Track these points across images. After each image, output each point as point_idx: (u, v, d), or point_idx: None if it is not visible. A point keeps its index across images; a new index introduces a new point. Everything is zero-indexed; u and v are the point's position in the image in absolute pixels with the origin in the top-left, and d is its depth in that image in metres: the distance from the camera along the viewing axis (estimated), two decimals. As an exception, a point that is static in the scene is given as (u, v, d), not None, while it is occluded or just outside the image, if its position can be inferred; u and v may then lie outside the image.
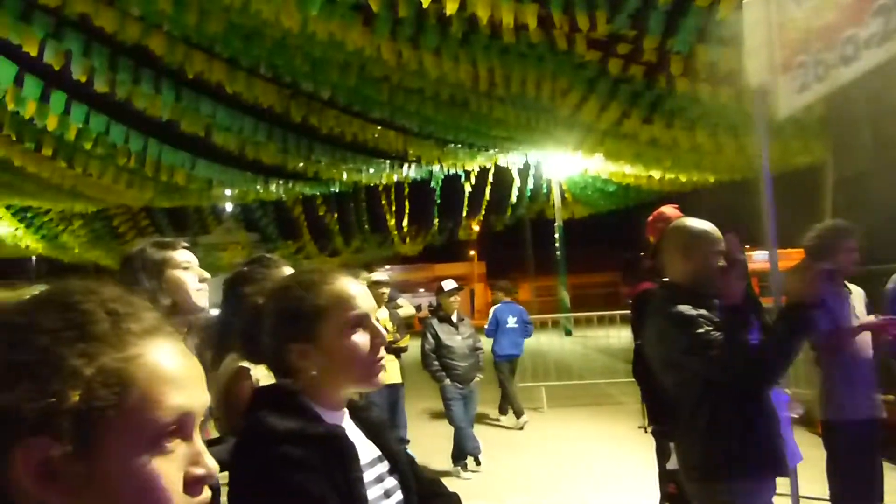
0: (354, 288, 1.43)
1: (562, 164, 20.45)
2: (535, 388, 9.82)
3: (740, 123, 8.25)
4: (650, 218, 3.85)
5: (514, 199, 24.32)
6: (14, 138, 8.63)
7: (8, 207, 15.52)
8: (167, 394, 0.70)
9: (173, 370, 0.72)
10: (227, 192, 13.40)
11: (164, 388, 0.70)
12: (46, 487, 0.66)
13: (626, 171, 15.34)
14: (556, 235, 25.07)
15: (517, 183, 22.74)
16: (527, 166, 20.76)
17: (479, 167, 19.62)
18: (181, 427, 0.72)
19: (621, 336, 9.52)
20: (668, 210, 3.83)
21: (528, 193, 23.31)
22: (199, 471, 0.73)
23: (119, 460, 0.68)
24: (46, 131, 7.91)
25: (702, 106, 7.91)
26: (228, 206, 23.29)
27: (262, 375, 2.20)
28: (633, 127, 9.14)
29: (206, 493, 0.74)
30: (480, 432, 6.86)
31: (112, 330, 0.70)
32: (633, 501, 5.06)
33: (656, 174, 14.33)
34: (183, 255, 2.20)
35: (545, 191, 24.23)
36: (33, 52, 6.61)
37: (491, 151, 16.56)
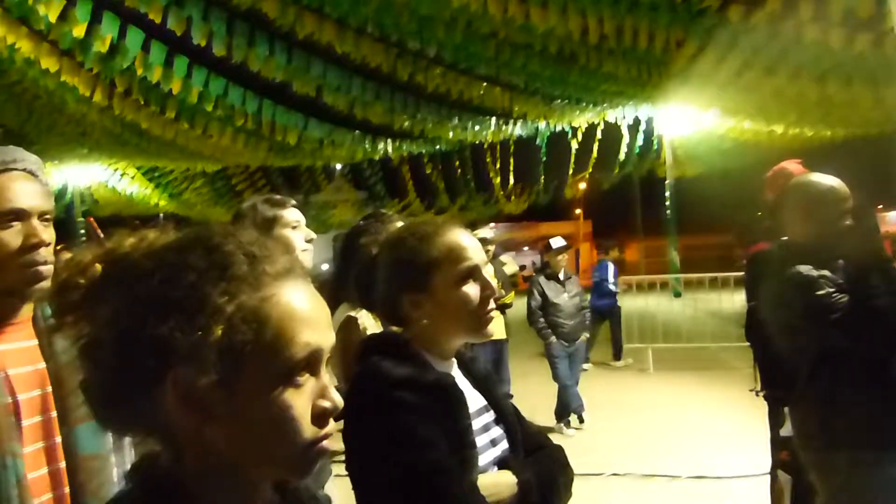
0: (466, 240, 1.45)
1: (674, 120, 19.56)
2: (641, 349, 9.65)
3: (879, 73, 7.57)
4: (770, 174, 3.63)
5: (622, 156, 23.58)
6: (142, 102, 9.20)
7: (139, 168, 16.65)
8: (299, 331, 0.75)
9: (304, 310, 0.77)
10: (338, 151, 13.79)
11: (296, 326, 0.75)
12: (191, 412, 0.72)
13: (745, 127, 14.49)
14: (667, 194, 24.15)
15: (626, 139, 22.01)
16: (637, 122, 20.01)
17: (587, 123, 19.10)
18: (311, 363, 0.77)
19: (734, 299, 9.12)
20: (791, 165, 3.60)
21: (637, 150, 22.53)
22: (326, 404, 0.78)
23: (256, 390, 0.73)
24: (170, 95, 8.38)
25: (834, 55, 7.30)
26: (338, 165, 23.94)
27: (370, 325, 2.29)
28: (755, 79, 8.59)
29: (332, 424, 0.79)
30: (584, 391, 6.83)
31: (250, 271, 0.76)
32: (743, 467, 4.92)
33: (778, 129, 13.46)
34: (292, 215, 2.29)
35: (655, 148, 23.32)
36: (157, 20, 6.98)
37: (599, 107, 16.05)
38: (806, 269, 2.29)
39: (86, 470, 1.36)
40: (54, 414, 1.35)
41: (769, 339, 2.50)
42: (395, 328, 1.47)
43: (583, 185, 29.44)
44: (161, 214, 18.76)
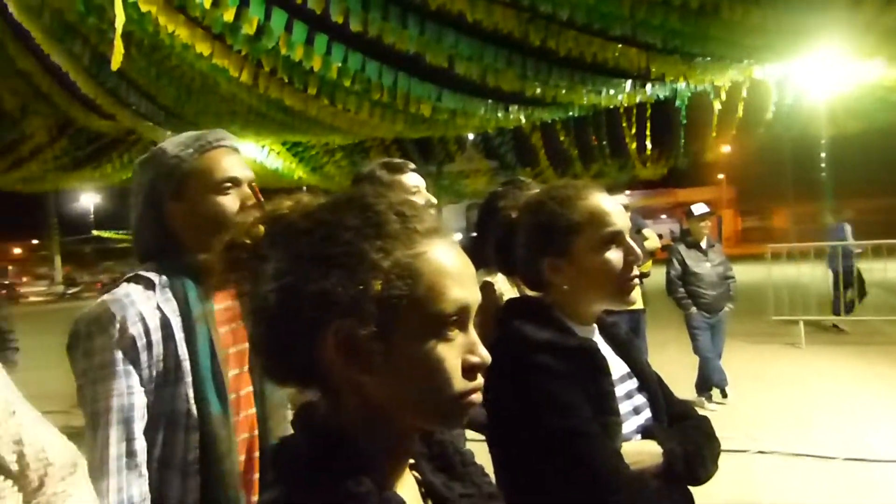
0: (609, 204, 1.41)
1: (830, 73, 17.90)
2: (791, 323, 9.06)
3: None
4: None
5: (770, 115, 21.95)
6: (286, 80, 9.65)
7: (283, 144, 17.57)
8: (449, 287, 0.78)
9: (453, 266, 0.80)
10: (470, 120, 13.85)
11: (446, 281, 0.78)
12: (350, 362, 0.77)
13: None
14: (822, 154, 22.30)
15: (774, 97, 20.46)
16: (787, 77, 18.51)
17: (731, 82, 17.92)
18: (460, 318, 0.80)
19: (901, 268, 8.35)
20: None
21: (788, 108, 20.88)
22: (474, 359, 0.81)
23: (410, 343, 0.77)
24: (311, 72, 8.73)
25: None
26: (470, 135, 24.06)
27: (506, 290, 2.30)
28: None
29: (480, 379, 0.81)
30: (728, 364, 6.53)
31: (401, 228, 0.79)
32: (908, 450, 4.53)
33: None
34: (411, 179, 2.33)
35: (808, 104, 21.51)
36: (299, 0, 7.27)
37: (745, 63, 14.99)
38: None
39: (275, 417, 1.53)
40: (247, 367, 1.53)
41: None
42: (534, 292, 1.47)
43: (726, 148, 27.77)
44: (304, 188, 19.76)
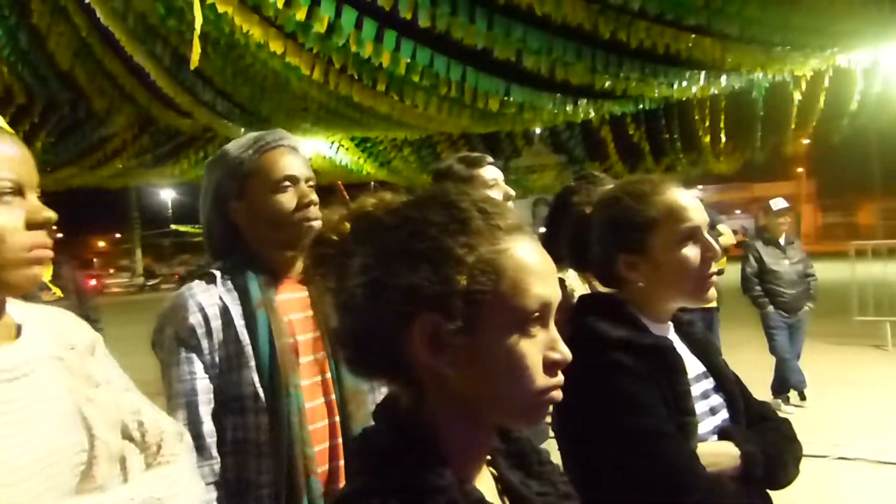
0: (687, 199, 1.38)
1: (924, 60, 16.88)
2: (877, 323, 8.63)
3: None
4: None
5: (855, 105, 20.90)
6: (355, 77, 9.80)
7: (352, 139, 17.86)
8: (532, 283, 0.79)
9: (535, 263, 0.81)
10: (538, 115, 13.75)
11: (528, 278, 0.79)
12: (435, 355, 0.78)
13: None
14: (912, 147, 21.12)
15: (860, 86, 19.46)
16: (874, 65, 17.56)
17: (812, 71, 17.14)
18: (542, 314, 0.80)
19: None
20: None
21: (875, 98, 19.84)
22: (555, 355, 0.81)
23: (493, 338, 0.78)
24: (380, 68, 8.84)
25: None
26: (537, 130, 23.85)
27: (577, 286, 2.28)
28: None
29: (560, 376, 0.81)
30: (808, 366, 6.28)
31: (485, 225, 0.80)
32: None
33: None
34: (490, 173, 2.37)
35: (898, 93, 20.37)
36: (368, -2, 7.37)
37: (828, 51, 14.32)
38: None
39: (354, 401, 1.57)
40: (322, 354, 1.59)
41: None
42: (608, 289, 1.44)
43: (806, 141, 26.61)
44: (372, 183, 20.04)
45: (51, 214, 1.01)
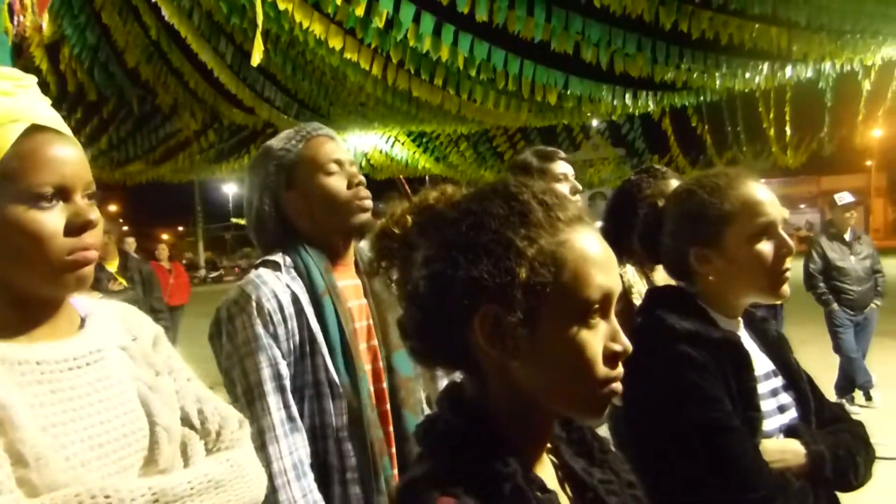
0: (762, 193, 1.36)
1: None
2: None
3: None
4: None
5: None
6: (413, 71, 9.86)
7: (408, 134, 17.95)
8: (593, 274, 0.80)
9: (597, 254, 0.82)
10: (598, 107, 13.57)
11: (590, 269, 0.80)
12: (497, 346, 0.80)
13: None
14: None
15: (933, 76, 18.50)
16: (953, 53, 16.68)
17: (884, 60, 16.39)
18: (603, 305, 0.81)
19: None
20: None
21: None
22: (616, 346, 0.82)
23: (554, 329, 0.79)
24: (439, 62, 8.86)
25: None
26: (595, 122, 23.52)
27: (635, 281, 2.27)
28: None
29: (620, 368, 0.82)
30: (876, 366, 6.06)
31: (545, 217, 0.81)
32: None
33: None
34: (561, 167, 2.40)
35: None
36: (426, -8, 7.40)
37: (901, 39, 13.66)
38: None
39: (406, 388, 1.61)
40: (374, 342, 1.62)
41: None
42: (675, 282, 1.44)
43: (876, 132, 25.51)
44: (427, 177, 20.10)
45: (92, 217, 1.00)
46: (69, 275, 1.00)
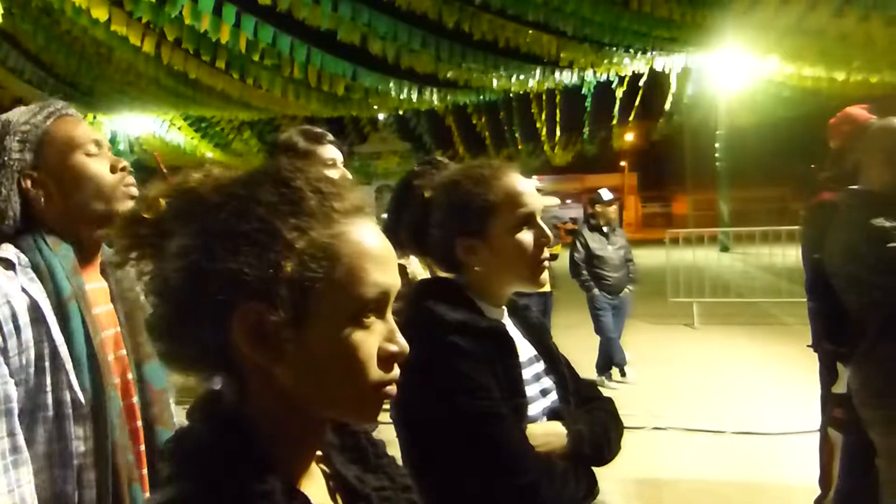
0: (524, 184, 1.40)
1: (729, 68, 18.76)
2: (685, 304, 9.51)
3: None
4: (833, 120, 3.47)
5: (668, 105, 22.82)
6: (191, 52, 9.23)
7: (186, 119, 16.84)
8: (369, 271, 0.73)
9: (374, 249, 0.75)
10: (383, 101, 13.73)
11: (366, 265, 0.73)
12: (258, 349, 0.71)
13: (804, 74, 13.86)
14: (717, 145, 23.46)
15: (673, 89, 21.27)
16: (686, 70, 19.27)
17: (634, 72, 18.48)
18: (379, 304, 0.74)
19: (786, 254, 8.89)
20: (856, 112, 3.41)
21: (687, 100, 21.81)
22: (392, 347, 0.76)
23: (324, 329, 0.72)
24: (220, 45, 8.38)
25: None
26: (381, 116, 23.82)
27: (419, 272, 2.28)
28: (820, 22, 8.18)
29: (396, 370, 0.77)
30: (627, 345, 6.80)
31: (319, 207, 0.73)
32: (791, 424, 4.85)
33: (839, 76, 12.86)
34: (329, 152, 2.19)
35: (706, 97, 22.54)
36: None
37: (650, 54, 15.50)
38: (880, 220, 2.19)
39: (159, 403, 1.43)
40: (123, 352, 1.41)
41: (833, 293, 2.42)
42: (446, 273, 1.45)
43: (629, 137, 28.72)
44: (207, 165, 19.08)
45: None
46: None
